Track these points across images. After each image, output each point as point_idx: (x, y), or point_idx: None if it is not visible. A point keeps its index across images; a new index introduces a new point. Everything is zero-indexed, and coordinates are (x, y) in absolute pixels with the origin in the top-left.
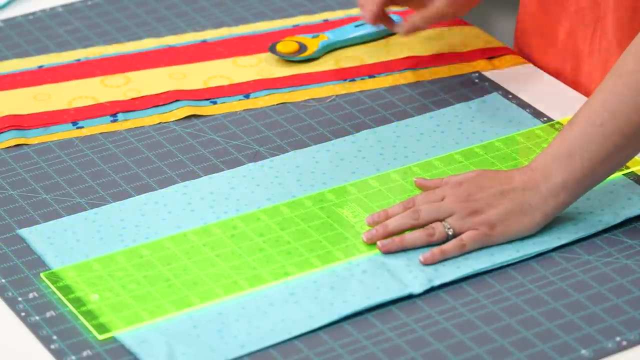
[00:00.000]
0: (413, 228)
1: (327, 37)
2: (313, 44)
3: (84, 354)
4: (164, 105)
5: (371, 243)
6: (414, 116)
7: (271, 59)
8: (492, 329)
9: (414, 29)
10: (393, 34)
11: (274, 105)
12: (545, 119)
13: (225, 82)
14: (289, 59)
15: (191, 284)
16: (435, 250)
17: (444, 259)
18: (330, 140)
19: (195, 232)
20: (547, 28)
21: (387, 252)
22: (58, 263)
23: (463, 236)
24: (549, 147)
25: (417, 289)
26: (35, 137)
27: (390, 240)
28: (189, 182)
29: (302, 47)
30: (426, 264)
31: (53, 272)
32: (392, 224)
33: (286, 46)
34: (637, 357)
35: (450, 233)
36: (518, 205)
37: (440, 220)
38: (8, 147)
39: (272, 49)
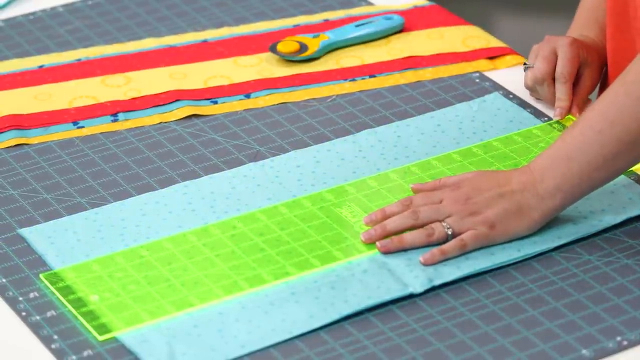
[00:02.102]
0: (412, 228)
1: (328, 37)
2: (314, 44)
3: (85, 353)
4: (164, 105)
5: (370, 243)
6: (414, 116)
7: (272, 59)
8: (493, 328)
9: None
10: (393, 33)
11: (274, 105)
12: (545, 119)
13: (225, 82)
14: (289, 59)
15: (191, 284)
16: (435, 250)
17: (444, 259)
18: (330, 140)
19: (194, 233)
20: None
21: (387, 252)
22: (59, 263)
23: (463, 236)
24: (549, 149)
25: (418, 288)
26: (36, 137)
27: (390, 240)
28: (190, 182)
29: (303, 47)
30: (426, 264)
31: (52, 273)
32: (391, 224)
33: (287, 46)
34: (638, 357)
35: (450, 233)
36: (516, 205)
37: (440, 221)
38: (8, 147)
39: (273, 49)
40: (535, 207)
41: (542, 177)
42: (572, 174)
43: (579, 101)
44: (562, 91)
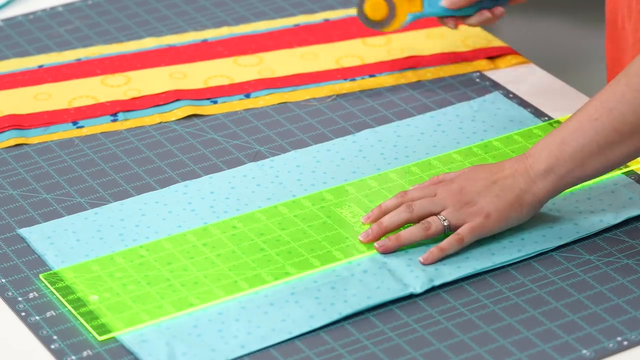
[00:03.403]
0: (408, 224)
1: (422, 6)
2: (402, 13)
3: (84, 353)
4: (164, 104)
5: (368, 242)
6: (414, 116)
7: (272, 58)
8: (493, 328)
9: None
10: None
11: (274, 104)
12: (546, 118)
13: (225, 82)
14: (372, 27)
15: (191, 284)
16: (434, 249)
17: (443, 257)
18: (330, 140)
19: (194, 233)
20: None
21: (385, 252)
22: (58, 263)
23: (460, 230)
24: (546, 136)
25: (418, 288)
26: (36, 137)
27: (387, 240)
28: (190, 182)
29: (390, 14)
30: (426, 263)
31: (52, 273)
32: (387, 220)
33: (375, 9)
34: (638, 357)
35: (446, 224)
36: (508, 189)
37: (436, 214)
38: (8, 147)
39: (360, 12)
40: (526, 189)
41: (534, 161)
42: (564, 158)
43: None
44: None
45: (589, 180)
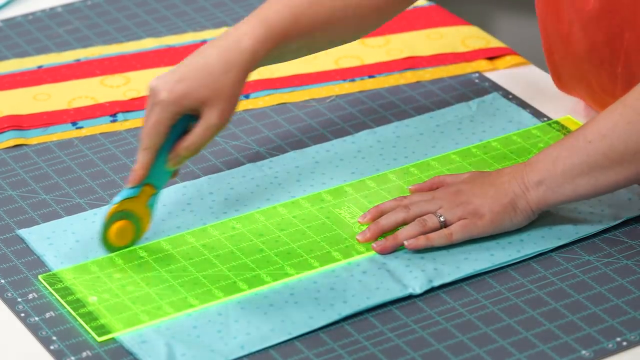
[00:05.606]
0: (405, 224)
1: (154, 188)
2: (146, 215)
3: (84, 354)
4: None
5: (365, 242)
6: (413, 116)
7: None
8: (492, 329)
9: (180, 161)
10: None
11: (273, 105)
12: (545, 119)
13: None
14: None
15: (190, 285)
16: (421, 236)
17: (429, 246)
18: (330, 141)
19: (193, 233)
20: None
21: (383, 252)
22: (57, 263)
23: (451, 227)
24: (546, 147)
25: (417, 289)
26: (35, 137)
27: (385, 240)
28: (189, 183)
29: (137, 231)
30: (410, 248)
31: (51, 274)
32: (384, 220)
33: (122, 235)
34: (638, 357)
35: (442, 220)
36: (503, 193)
37: (432, 213)
38: (7, 148)
39: (104, 240)
40: (520, 195)
41: (531, 169)
42: (556, 173)
43: (172, 155)
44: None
45: (580, 200)
